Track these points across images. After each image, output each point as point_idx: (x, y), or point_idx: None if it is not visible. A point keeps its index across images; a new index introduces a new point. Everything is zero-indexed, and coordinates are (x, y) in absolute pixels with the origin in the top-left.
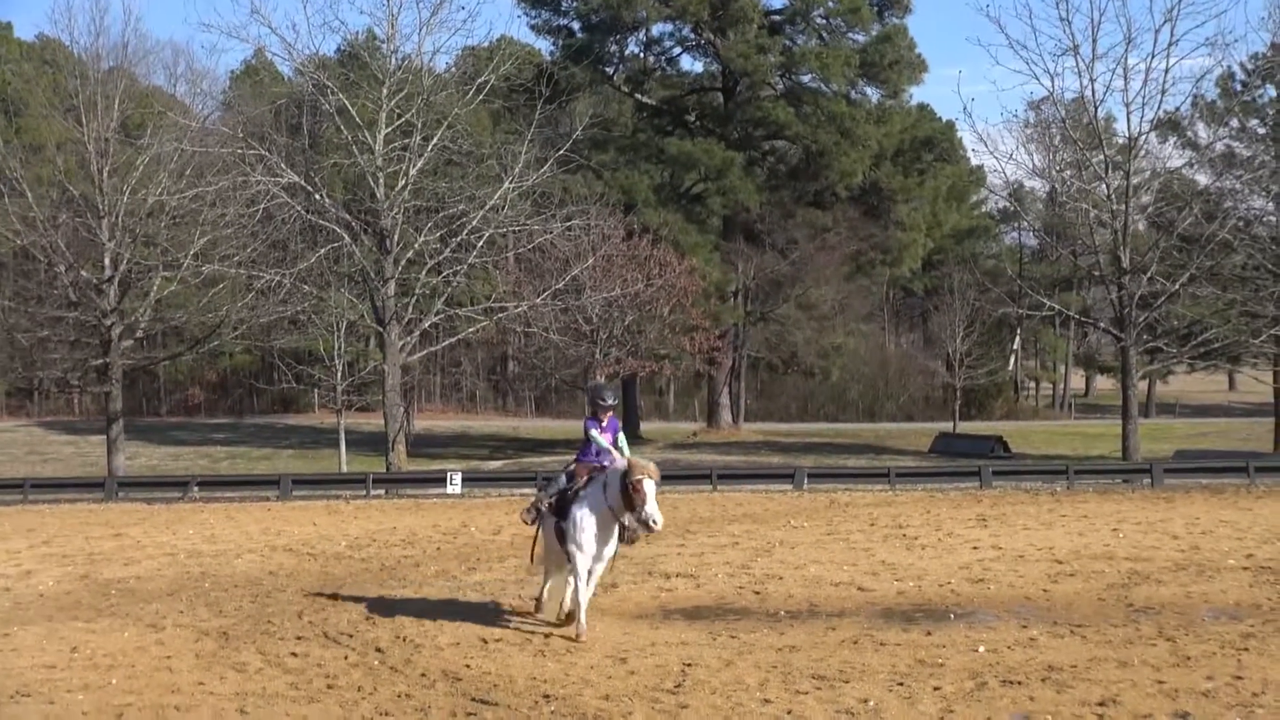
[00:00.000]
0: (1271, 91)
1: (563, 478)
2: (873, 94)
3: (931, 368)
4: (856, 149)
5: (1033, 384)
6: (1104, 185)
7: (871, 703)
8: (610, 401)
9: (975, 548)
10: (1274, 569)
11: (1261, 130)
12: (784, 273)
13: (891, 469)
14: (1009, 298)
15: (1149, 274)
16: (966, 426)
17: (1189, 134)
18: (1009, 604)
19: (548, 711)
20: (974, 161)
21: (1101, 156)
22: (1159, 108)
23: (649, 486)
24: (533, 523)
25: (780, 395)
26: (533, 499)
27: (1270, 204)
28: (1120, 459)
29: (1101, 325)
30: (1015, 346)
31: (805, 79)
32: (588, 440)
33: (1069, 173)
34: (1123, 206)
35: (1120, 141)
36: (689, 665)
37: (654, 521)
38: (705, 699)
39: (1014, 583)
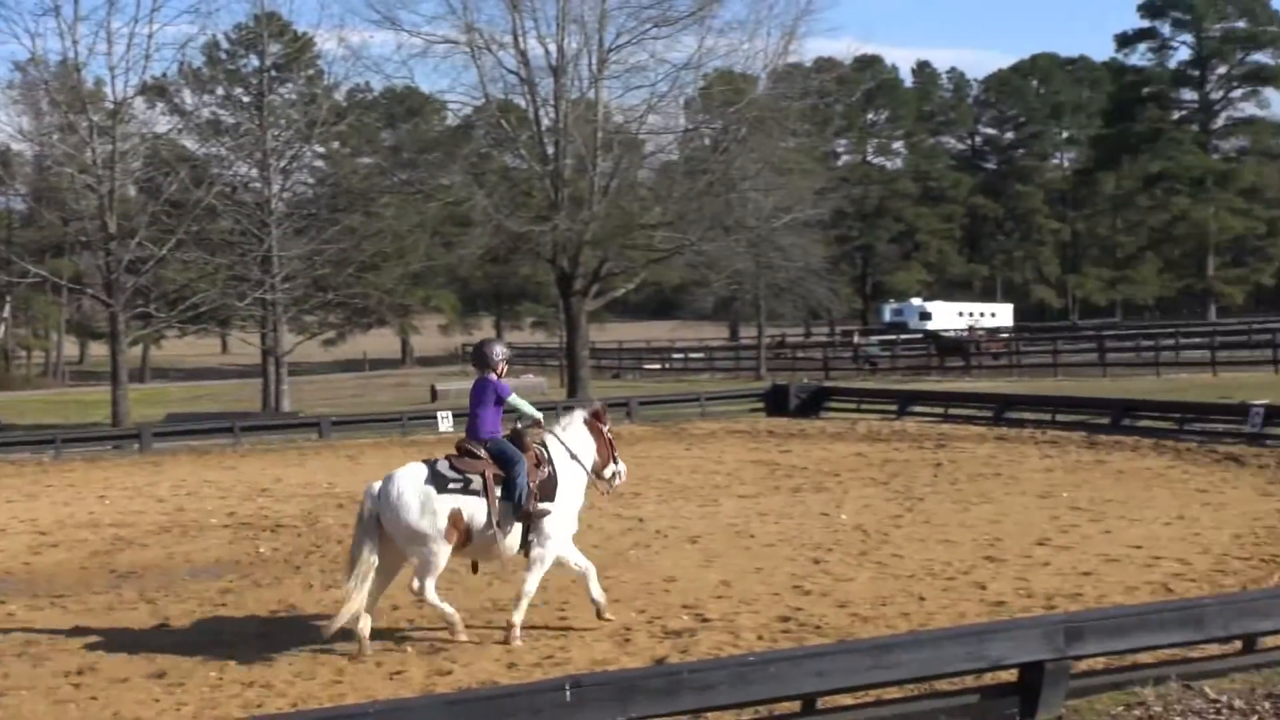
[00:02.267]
0: (255, 61)
1: (520, 458)
2: None
3: None
4: None
5: (25, 352)
6: (91, 150)
7: None
8: (507, 353)
9: None
10: (253, 524)
11: (246, 99)
12: None
13: None
14: None
15: (137, 239)
16: None
17: (176, 100)
18: None
19: None
20: None
21: (88, 121)
22: (144, 73)
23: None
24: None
25: None
26: (522, 491)
27: (254, 170)
28: (111, 425)
29: (90, 291)
30: (4, 314)
31: None
32: (497, 404)
33: (57, 137)
34: (110, 171)
35: (109, 106)
36: None
37: (623, 474)
38: None
39: None
